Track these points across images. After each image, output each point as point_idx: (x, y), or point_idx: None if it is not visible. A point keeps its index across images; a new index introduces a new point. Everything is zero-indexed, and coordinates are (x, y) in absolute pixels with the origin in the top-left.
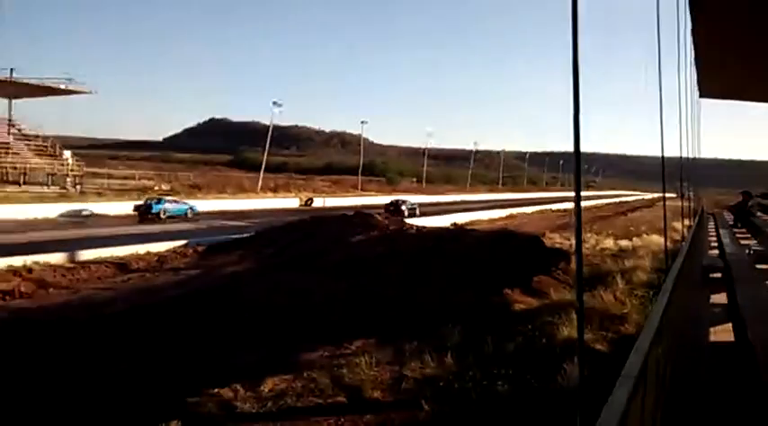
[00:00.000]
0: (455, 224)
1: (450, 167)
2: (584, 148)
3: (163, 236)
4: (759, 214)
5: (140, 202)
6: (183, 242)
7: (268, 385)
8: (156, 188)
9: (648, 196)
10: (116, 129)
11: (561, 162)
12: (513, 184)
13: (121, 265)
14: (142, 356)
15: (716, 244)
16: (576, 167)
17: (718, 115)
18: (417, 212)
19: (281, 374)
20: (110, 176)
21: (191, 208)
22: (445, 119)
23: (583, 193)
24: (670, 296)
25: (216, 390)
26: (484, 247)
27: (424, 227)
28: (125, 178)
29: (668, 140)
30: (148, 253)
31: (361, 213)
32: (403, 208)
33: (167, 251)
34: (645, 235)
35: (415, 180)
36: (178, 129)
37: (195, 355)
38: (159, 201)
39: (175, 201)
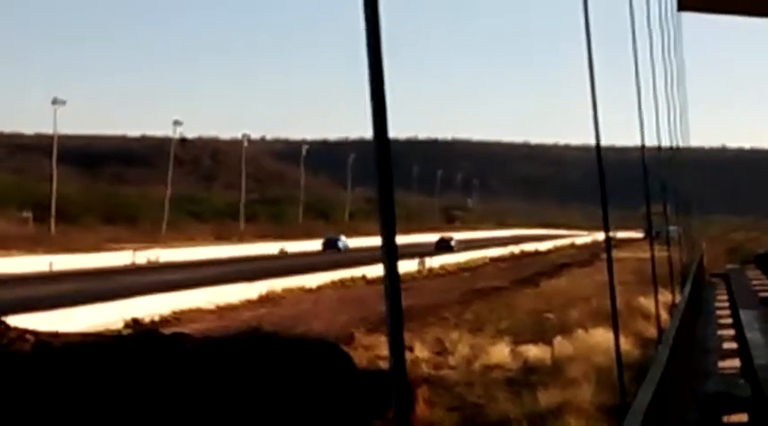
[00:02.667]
0: (135, 322)
1: None
2: (436, 131)
3: None
4: None
5: None
6: None
7: None
8: None
9: (584, 238)
10: None
11: (352, 156)
12: (272, 219)
13: None
14: None
15: (732, 346)
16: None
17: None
18: None
19: None
20: None
21: None
22: None
23: (443, 234)
24: None
25: None
26: (202, 382)
27: (60, 335)
28: None
29: (617, 110)
30: None
31: None
32: None
33: None
34: (579, 331)
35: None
36: None
37: None
38: None
39: None
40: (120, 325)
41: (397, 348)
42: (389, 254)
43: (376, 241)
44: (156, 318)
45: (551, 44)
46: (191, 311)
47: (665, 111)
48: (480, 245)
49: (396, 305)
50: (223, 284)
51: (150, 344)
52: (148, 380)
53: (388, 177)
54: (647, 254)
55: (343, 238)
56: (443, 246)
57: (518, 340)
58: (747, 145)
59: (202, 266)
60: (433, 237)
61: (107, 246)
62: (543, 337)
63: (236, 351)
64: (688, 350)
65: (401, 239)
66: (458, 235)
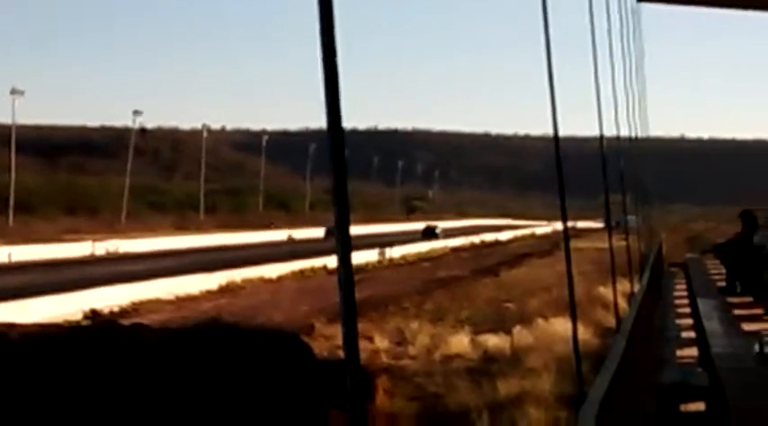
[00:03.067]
0: (94, 313)
1: None
2: (396, 121)
3: None
4: None
5: None
6: None
7: None
8: None
9: (544, 228)
10: None
11: (313, 146)
12: (232, 209)
13: None
14: None
15: (690, 335)
16: None
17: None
18: None
19: None
20: None
21: None
22: None
23: (399, 226)
24: None
25: None
26: (158, 376)
27: (17, 325)
28: None
29: (575, 98)
30: None
31: None
32: None
33: None
34: (539, 321)
35: None
36: None
37: None
38: None
39: None
40: (78, 316)
41: (351, 337)
42: (343, 244)
43: (369, 229)
44: (116, 309)
45: (509, 34)
46: (150, 302)
47: (624, 101)
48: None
49: (349, 294)
50: (182, 274)
51: (109, 335)
52: (108, 371)
53: (342, 166)
54: (607, 244)
55: None
56: (429, 233)
57: (478, 329)
58: (706, 135)
59: (162, 257)
60: (394, 228)
61: (66, 237)
62: (503, 327)
63: (195, 341)
64: (646, 338)
65: (363, 229)
66: (418, 226)
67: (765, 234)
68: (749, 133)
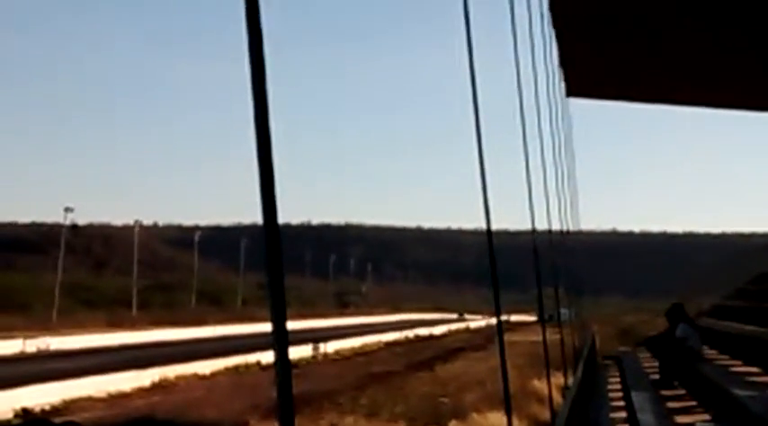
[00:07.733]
0: (25, 411)
1: None
2: (329, 216)
3: None
4: (708, 351)
5: None
6: None
7: None
8: None
9: (479, 322)
10: None
11: (245, 241)
12: (165, 305)
13: None
14: None
15: None
16: None
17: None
18: None
19: None
20: None
21: None
22: None
23: (333, 321)
24: None
25: None
26: None
27: None
28: None
29: (505, 193)
30: None
31: None
32: None
33: None
34: (474, 415)
35: None
36: None
37: None
38: None
39: None
40: (10, 415)
41: None
42: (280, 340)
43: (303, 324)
44: (47, 407)
45: (441, 130)
46: (82, 399)
47: (555, 196)
48: (375, 330)
49: (287, 391)
50: (114, 372)
51: None
52: None
53: (279, 261)
54: (540, 337)
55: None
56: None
57: (413, 424)
58: (637, 228)
59: (94, 353)
60: (328, 322)
61: None
62: (438, 421)
63: None
64: None
65: (296, 324)
66: (352, 321)
67: (685, 326)
68: (679, 226)
